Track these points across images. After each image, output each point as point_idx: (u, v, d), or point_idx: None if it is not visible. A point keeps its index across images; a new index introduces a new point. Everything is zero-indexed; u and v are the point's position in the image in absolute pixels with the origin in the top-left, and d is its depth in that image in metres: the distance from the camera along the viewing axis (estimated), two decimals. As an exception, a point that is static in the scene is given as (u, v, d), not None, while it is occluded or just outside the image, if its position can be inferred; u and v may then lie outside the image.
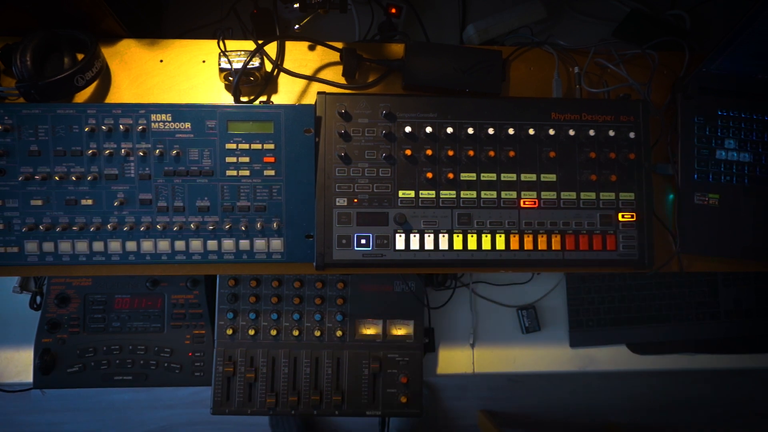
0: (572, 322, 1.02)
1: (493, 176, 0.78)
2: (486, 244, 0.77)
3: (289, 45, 0.85)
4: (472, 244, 0.77)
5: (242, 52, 0.78)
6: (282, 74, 0.84)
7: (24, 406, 1.83)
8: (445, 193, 0.77)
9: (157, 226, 0.75)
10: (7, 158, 0.73)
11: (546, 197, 0.78)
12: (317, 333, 0.93)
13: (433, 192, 0.77)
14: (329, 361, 0.92)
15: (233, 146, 0.75)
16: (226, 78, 0.80)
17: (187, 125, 0.74)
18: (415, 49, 0.82)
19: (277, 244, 0.76)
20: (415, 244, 0.76)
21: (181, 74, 0.83)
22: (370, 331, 0.94)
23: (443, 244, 0.76)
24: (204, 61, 0.83)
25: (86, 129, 0.73)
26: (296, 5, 0.76)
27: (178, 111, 0.74)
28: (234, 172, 0.75)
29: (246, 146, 0.75)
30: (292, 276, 0.94)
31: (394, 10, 0.93)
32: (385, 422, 1.28)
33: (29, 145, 0.73)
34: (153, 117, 0.74)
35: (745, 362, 1.05)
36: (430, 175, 0.77)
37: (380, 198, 0.76)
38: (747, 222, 0.83)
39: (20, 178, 0.73)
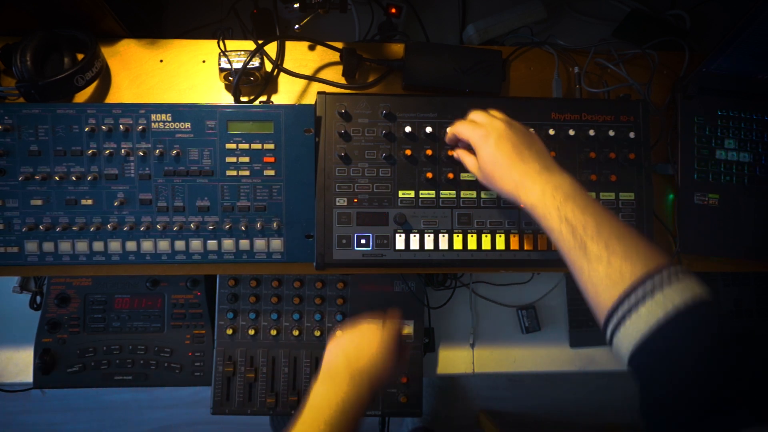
0: (572, 322, 1.02)
1: (493, 176, 0.78)
2: (486, 244, 0.77)
3: (289, 45, 0.85)
4: (472, 244, 0.77)
5: (242, 52, 0.78)
6: (282, 74, 0.84)
7: (24, 406, 1.83)
8: (445, 193, 0.77)
9: (157, 226, 0.75)
10: (7, 158, 0.73)
11: (546, 197, 0.78)
12: (317, 333, 0.93)
13: (433, 192, 0.77)
14: (329, 361, 0.92)
15: (233, 146, 0.75)
16: (226, 78, 0.80)
17: (187, 125, 0.74)
18: (415, 49, 0.82)
19: (277, 244, 0.76)
20: (415, 244, 0.76)
21: (181, 74, 0.83)
22: (370, 331, 0.94)
23: (443, 244, 0.76)
24: (204, 61, 0.83)
25: (86, 129, 0.73)
26: (296, 5, 0.76)
27: (178, 111, 0.74)
28: (234, 172, 0.75)
29: (246, 146, 0.75)
30: (292, 276, 0.94)
31: (394, 10, 0.93)
32: (385, 422, 1.27)
33: (29, 145, 0.73)
34: (153, 117, 0.74)
35: (745, 362, 1.05)
36: (430, 175, 0.77)
37: (380, 198, 0.76)
38: (747, 222, 0.83)
39: (20, 178, 0.73)
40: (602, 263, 0.52)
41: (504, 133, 0.64)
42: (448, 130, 0.72)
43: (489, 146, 0.64)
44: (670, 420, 0.47)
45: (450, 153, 0.75)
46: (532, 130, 0.66)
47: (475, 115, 0.69)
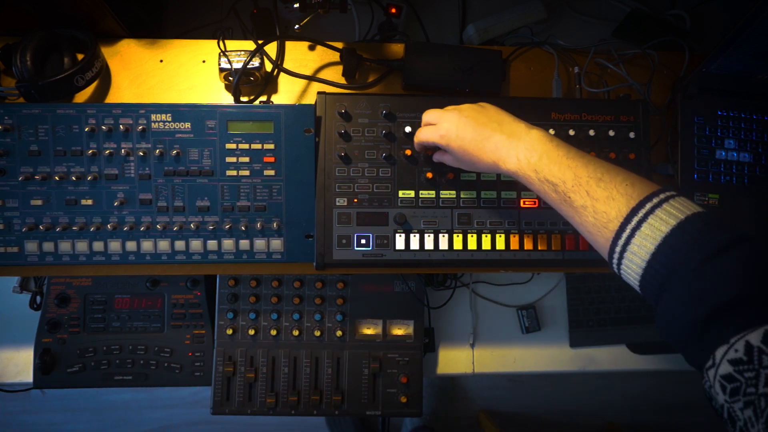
0: (572, 322, 1.02)
1: (492, 176, 0.78)
2: (486, 244, 0.77)
3: (289, 45, 0.85)
4: (472, 244, 0.77)
5: (242, 52, 0.78)
6: (282, 74, 0.84)
7: (24, 406, 1.83)
8: (445, 193, 0.77)
9: (157, 226, 0.75)
10: (7, 158, 0.73)
11: (546, 197, 0.78)
12: (317, 333, 0.93)
13: (433, 192, 0.77)
14: (329, 361, 0.92)
15: (233, 146, 0.75)
16: (226, 78, 0.80)
17: (187, 125, 0.74)
18: (415, 49, 0.82)
19: (277, 244, 0.76)
20: (415, 244, 0.76)
21: (181, 74, 0.83)
22: (370, 331, 0.94)
23: (443, 244, 0.76)
24: (204, 61, 0.83)
25: (86, 129, 0.73)
26: (296, 5, 0.76)
27: (178, 111, 0.74)
28: (234, 172, 0.75)
29: (246, 146, 0.75)
30: (292, 276, 0.94)
31: (394, 10, 0.93)
32: (385, 422, 1.28)
33: (29, 145, 0.73)
34: (153, 117, 0.74)
35: (745, 362, 1.05)
36: (430, 175, 0.77)
37: (380, 198, 0.76)
38: (747, 222, 0.83)
39: (20, 178, 0.73)
40: (588, 211, 0.56)
41: (459, 122, 0.65)
42: (414, 141, 0.74)
43: (452, 141, 0.66)
44: (681, 332, 0.49)
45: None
46: (481, 102, 0.68)
47: (428, 116, 0.71)
